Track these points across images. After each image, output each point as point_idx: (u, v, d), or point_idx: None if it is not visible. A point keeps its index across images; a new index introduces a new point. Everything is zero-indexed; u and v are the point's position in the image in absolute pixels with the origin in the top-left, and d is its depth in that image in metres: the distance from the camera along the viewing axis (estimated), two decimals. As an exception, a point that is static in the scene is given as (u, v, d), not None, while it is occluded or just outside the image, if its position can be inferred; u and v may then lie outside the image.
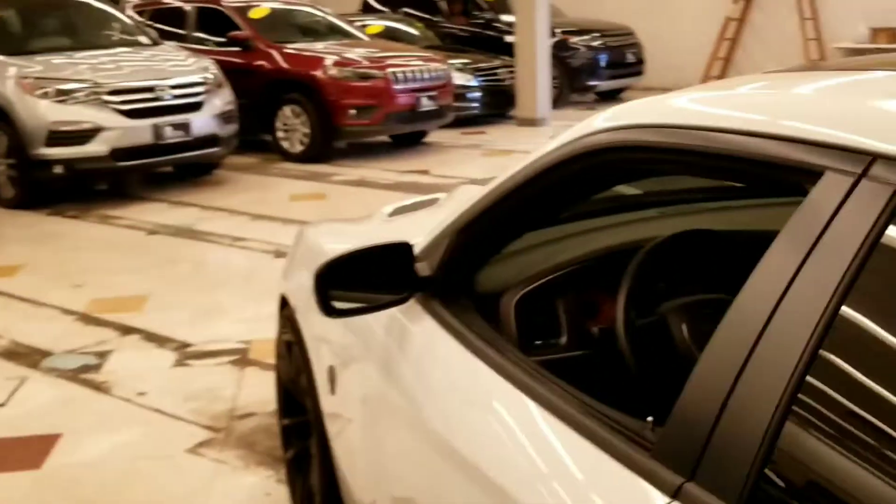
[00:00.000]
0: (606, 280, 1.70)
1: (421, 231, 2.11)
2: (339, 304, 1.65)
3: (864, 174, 0.89)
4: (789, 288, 0.90)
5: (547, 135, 9.45)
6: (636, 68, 11.84)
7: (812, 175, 0.95)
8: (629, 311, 1.49)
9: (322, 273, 1.61)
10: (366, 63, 8.31)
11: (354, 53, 8.51)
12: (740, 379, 0.91)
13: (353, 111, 8.10)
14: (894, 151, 0.88)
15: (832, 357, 0.86)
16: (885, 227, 0.84)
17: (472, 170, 7.76)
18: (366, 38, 9.51)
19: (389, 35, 10.46)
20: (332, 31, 9.26)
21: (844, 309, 0.85)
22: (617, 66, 11.48)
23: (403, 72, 8.35)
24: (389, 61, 8.42)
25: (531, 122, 9.67)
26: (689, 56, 12.24)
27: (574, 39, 11.24)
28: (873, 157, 0.89)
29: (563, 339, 1.68)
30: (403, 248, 1.65)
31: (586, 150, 1.33)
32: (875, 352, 0.85)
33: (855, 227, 0.87)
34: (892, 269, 0.85)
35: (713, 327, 1.54)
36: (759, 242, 1.72)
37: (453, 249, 1.64)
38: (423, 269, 1.68)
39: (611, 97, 11.84)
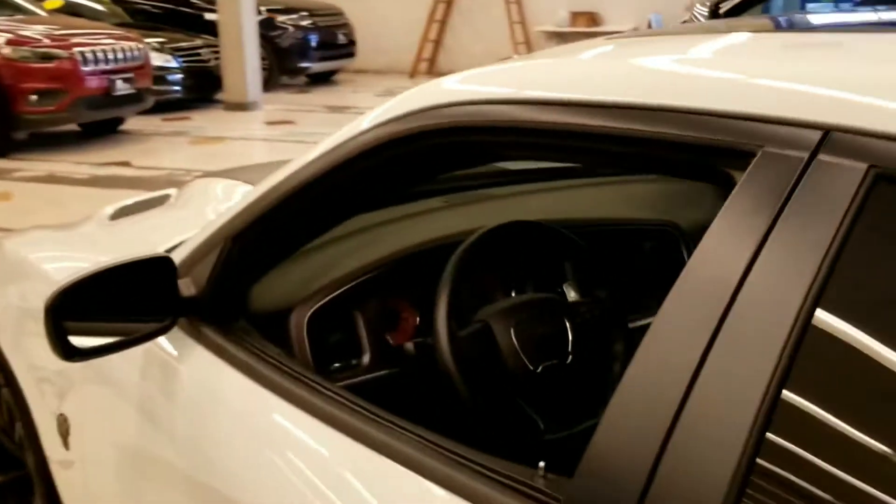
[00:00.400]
0: (408, 284, 1.48)
1: (158, 237, 1.76)
2: (79, 342, 1.27)
3: (815, 153, 0.71)
4: (738, 291, 0.70)
5: (259, 119, 9.02)
6: (348, 49, 11.58)
7: (738, 156, 0.76)
8: (451, 319, 1.28)
9: (54, 305, 1.23)
10: (47, 41, 7.35)
11: (32, 31, 7.50)
12: (681, 416, 0.71)
13: (33, 97, 7.15)
14: (856, 123, 0.70)
15: (797, 392, 0.67)
16: (856, 217, 0.67)
17: (180, 159, 7.16)
18: (43, 13, 8.45)
19: (71, 10, 9.36)
20: (1, 6, 8.09)
21: (816, 318, 0.68)
22: (328, 48, 11.12)
23: (93, 51, 7.50)
24: (75, 39, 7.50)
25: (241, 107, 9.13)
26: (401, 38, 12.28)
27: (281, 18, 10.75)
28: (826, 132, 0.72)
29: (366, 359, 1.44)
30: (163, 263, 1.31)
31: (367, 148, 1.13)
32: (847, 380, 0.70)
33: (817, 218, 0.69)
34: (865, 272, 0.69)
35: (544, 331, 1.40)
36: (584, 233, 1.60)
37: (226, 261, 1.33)
38: (185, 286, 1.35)
39: (323, 80, 11.58)
